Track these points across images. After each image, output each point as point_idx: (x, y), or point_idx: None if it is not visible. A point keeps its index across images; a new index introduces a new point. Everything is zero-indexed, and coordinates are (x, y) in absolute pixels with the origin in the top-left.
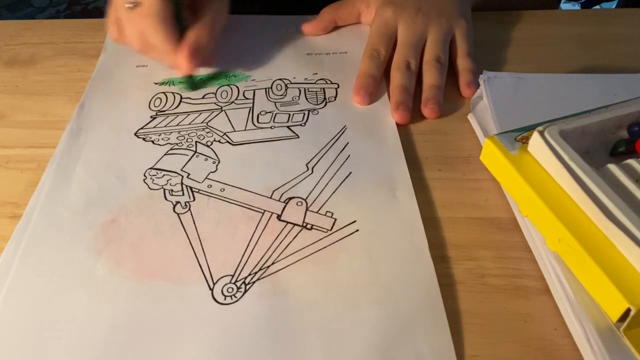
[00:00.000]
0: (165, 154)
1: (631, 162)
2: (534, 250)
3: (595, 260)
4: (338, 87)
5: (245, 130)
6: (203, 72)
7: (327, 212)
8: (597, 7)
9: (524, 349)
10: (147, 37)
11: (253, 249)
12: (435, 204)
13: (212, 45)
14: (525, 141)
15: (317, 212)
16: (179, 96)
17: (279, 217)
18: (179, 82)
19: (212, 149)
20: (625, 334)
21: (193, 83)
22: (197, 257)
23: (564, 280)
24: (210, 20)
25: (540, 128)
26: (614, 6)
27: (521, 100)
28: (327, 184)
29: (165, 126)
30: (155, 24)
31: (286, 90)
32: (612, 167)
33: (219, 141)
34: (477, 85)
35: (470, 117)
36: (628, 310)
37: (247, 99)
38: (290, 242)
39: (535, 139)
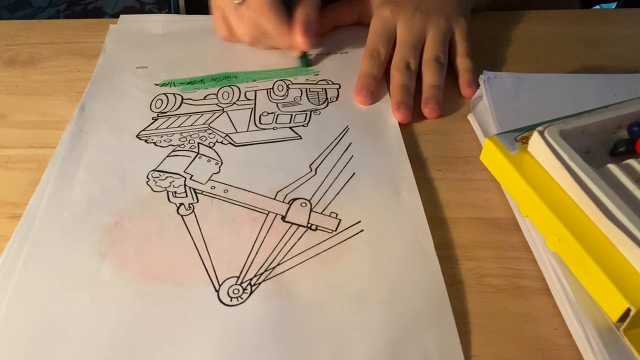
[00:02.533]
0: (167, 156)
1: (631, 162)
2: (534, 250)
3: (595, 260)
4: (339, 87)
5: (247, 131)
6: (205, 74)
7: (331, 212)
8: (597, 7)
9: (524, 349)
10: (260, 25)
11: (258, 250)
12: (436, 204)
13: (318, 21)
14: (525, 141)
15: (321, 213)
16: (180, 97)
17: (283, 218)
18: (302, 62)
19: (214, 150)
20: (625, 334)
21: (308, 61)
22: (202, 259)
23: (564, 280)
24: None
25: (540, 128)
26: (614, 6)
27: (521, 100)
28: (331, 185)
29: (167, 128)
30: (266, 10)
31: (288, 90)
32: (612, 167)
33: (222, 142)
34: (477, 85)
35: (470, 117)
36: (628, 310)
37: (248, 99)
38: (295, 243)
39: (535, 139)
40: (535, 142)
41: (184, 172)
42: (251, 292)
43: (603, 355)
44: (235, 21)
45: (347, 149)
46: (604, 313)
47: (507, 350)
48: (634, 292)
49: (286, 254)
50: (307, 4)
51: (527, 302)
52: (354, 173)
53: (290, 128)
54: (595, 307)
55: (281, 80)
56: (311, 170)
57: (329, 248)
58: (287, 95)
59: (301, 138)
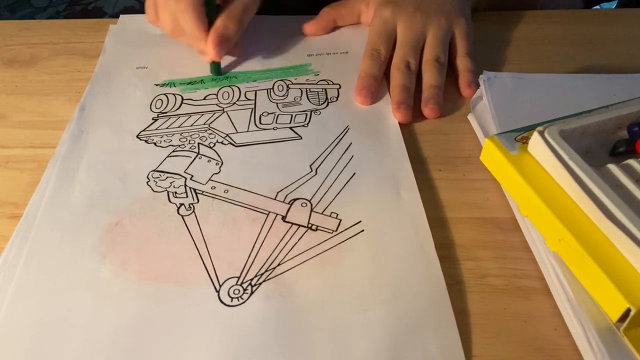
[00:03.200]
0: (168, 156)
1: (631, 162)
2: (534, 250)
3: (595, 260)
4: (340, 87)
5: (247, 131)
6: (205, 74)
7: (332, 212)
8: (597, 7)
9: (524, 349)
10: (178, 22)
11: (259, 251)
12: (436, 204)
13: (239, 34)
14: (525, 141)
15: (322, 213)
16: (180, 98)
17: (283, 218)
18: (212, 69)
19: (215, 151)
20: (625, 334)
21: (218, 69)
22: (202, 259)
23: (564, 280)
24: (240, 9)
25: (540, 128)
26: (614, 6)
27: (521, 100)
28: (331, 185)
29: (167, 128)
30: (187, 10)
31: (288, 90)
32: (612, 167)
33: (222, 142)
34: (477, 85)
35: (470, 117)
36: (628, 310)
37: (248, 99)
38: (296, 243)
39: (535, 139)
40: (535, 142)
41: (185, 172)
42: (252, 293)
43: (603, 355)
44: (161, 8)
45: (347, 149)
46: (604, 313)
47: (507, 350)
48: (634, 292)
49: (287, 254)
50: (229, 15)
51: (527, 302)
52: (355, 173)
53: (291, 128)
54: (595, 307)
55: (281, 80)
56: (311, 171)
57: (330, 248)
58: (287, 96)
59: (301, 138)
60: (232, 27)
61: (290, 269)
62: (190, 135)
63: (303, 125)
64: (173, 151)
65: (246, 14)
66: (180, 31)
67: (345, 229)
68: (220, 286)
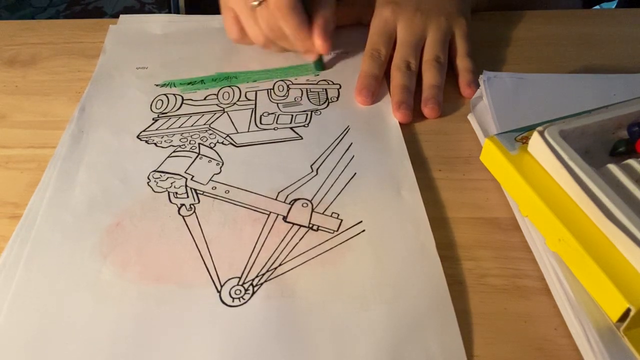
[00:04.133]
0: (168, 157)
1: (631, 162)
2: (534, 250)
3: (595, 260)
4: (340, 87)
5: (248, 131)
6: (205, 74)
7: (333, 213)
8: (597, 7)
9: (524, 349)
10: (277, 27)
11: (260, 251)
12: (436, 204)
13: (335, 26)
14: (525, 141)
15: (322, 213)
16: (180, 98)
17: (284, 218)
18: (317, 65)
19: (215, 151)
20: (625, 334)
21: (323, 63)
22: (203, 260)
23: (564, 280)
24: (331, 1)
25: (540, 128)
26: (614, 6)
27: (521, 100)
28: (332, 185)
29: (167, 128)
30: (287, 13)
31: (288, 91)
32: (612, 167)
33: (222, 143)
34: (477, 85)
35: (470, 117)
36: (628, 310)
37: (249, 100)
38: (297, 243)
39: (535, 139)
40: (535, 142)
41: (185, 172)
42: (253, 293)
43: (603, 355)
44: (249, 22)
45: (348, 149)
46: (604, 313)
47: (507, 350)
48: (634, 292)
49: (288, 255)
50: (324, 6)
51: (527, 302)
52: (355, 173)
53: (291, 128)
54: (595, 307)
55: (281, 80)
56: (312, 171)
57: (331, 248)
58: (287, 96)
59: (302, 138)
60: (332, 18)
61: (292, 269)
62: (191, 136)
63: (303, 126)
64: (174, 151)
65: (335, 3)
66: (278, 39)
67: (346, 229)
68: (221, 287)
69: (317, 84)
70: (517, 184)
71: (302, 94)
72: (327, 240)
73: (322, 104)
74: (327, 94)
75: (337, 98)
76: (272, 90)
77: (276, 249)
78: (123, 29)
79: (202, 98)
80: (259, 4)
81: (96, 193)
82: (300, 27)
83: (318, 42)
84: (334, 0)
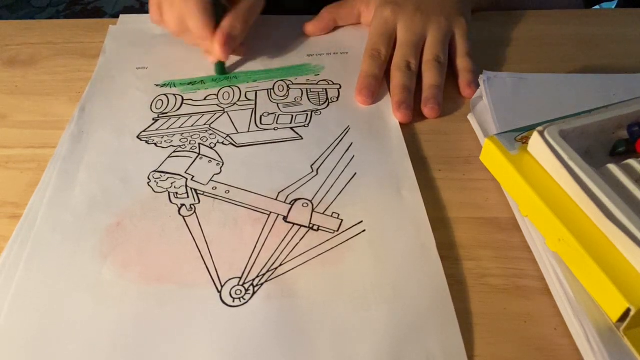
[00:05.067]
0: (168, 157)
1: (631, 162)
2: (534, 250)
3: (595, 260)
4: (340, 87)
5: (248, 132)
6: (205, 74)
7: (333, 213)
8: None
9: (524, 349)
10: (185, 21)
11: (260, 251)
12: (436, 204)
13: (245, 34)
14: (525, 141)
15: (323, 214)
16: (180, 98)
17: (285, 218)
18: (217, 69)
19: (215, 151)
20: (625, 334)
21: (223, 69)
22: (204, 260)
23: (564, 280)
24: (246, 9)
25: (540, 128)
26: (614, 6)
27: (521, 100)
28: (332, 185)
29: (167, 128)
30: (194, 9)
31: (288, 91)
32: (612, 167)
33: (223, 143)
34: (477, 85)
35: (470, 117)
36: (628, 310)
37: (249, 100)
38: (297, 243)
39: (535, 139)
40: (535, 142)
41: (185, 173)
42: (254, 293)
43: (603, 355)
44: (165, 8)
45: (348, 149)
46: (604, 313)
47: (507, 350)
48: (634, 292)
49: (288, 255)
50: (236, 15)
51: (527, 302)
52: (356, 173)
53: (291, 128)
54: (595, 307)
55: (282, 80)
56: (312, 171)
57: (331, 248)
58: (287, 96)
59: (302, 138)
60: (239, 27)
61: (292, 269)
62: (191, 136)
63: (304, 126)
64: (174, 152)
65: (252, 13)
66: (186, 31)
67: (347, 229)
68: (222, 287)
69: (317, 84)
70: (517, 184)
71: (302, 94)
72: (327, 241)
73: (323, 104)
74: (327, 94)
75: (337, 98)
76: (272, 91)
77: (276, 249)
78: (123, 29)
79: (202, 98)
80: None
81: (96, 193)
82: (203, 27)
83: (216, 47)
84: (249, 11)
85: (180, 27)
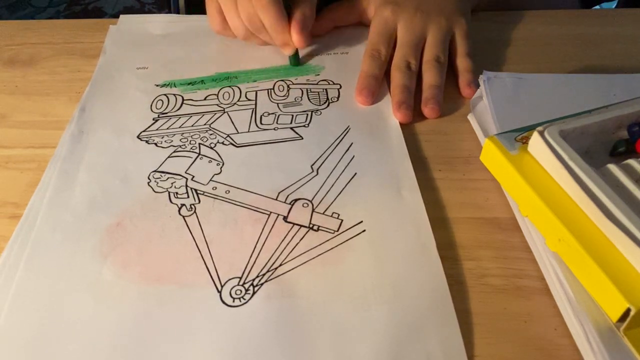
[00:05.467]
0: (168, 157)
1: (631, 162)
2: (534, 250)
3: (595, 260)
4: (340, 87)
5: (248, 132)
6: (205, 74)
7: (333, 213)
8: (597, 7)
9: (524, 349)
10: (256, 19)
11: (260, 251)
12: (436, 204)
13: (313, 20)
14: (525, 141)
15: (323, 214)
16: (180, 98)
17: (285, 218)
18: (292, 60)
19: (215, 151)
20: (625, 334)
21: (298, 59)
22: (204, 260)
23: (564, 280)
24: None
25: (540, 128)
26: (614, 6)
27: (521, 100)
28: (332, 185)
29: (167, 128)
30: (266, 5)
31: (288, 91)
32: (612, 167)
33: (223, 143)
34: (477, 85)
35: (470, 117)
36: (628, 310)
37: (249, 100)
38: (297, 243)
39: (535, 139)
40: (535, 142)
41: (185, 172)
42: (254, 293)
43: (603, 355)
44: (230, 14)
45: (348, 149)
46: (604, 313)
47: (507, 350)
48: (634, 292)
49: (288, 255)
50: (304, 3)
51: (527, 302)
52: (356, 173)
53: (292, 128)
54: (595, 307)
55: (282, 80)
56: (313, 171)
57: (331, 248)
58: (287, 96)
59: (302, 138)
60: (310, 14)
61: (292, 269)
62: (191, 136)
63: (304, 126)
64: (174, 152)
65: (315, 2)
66: (257, 30)
67: (347, 229)
68: (222, 287)
69: (317, 84)
70: (517, 184)
71: (302, 94)
72: (327, 241)
73: (323, 104)
74: (327, 94)
75: (338, 98)
76: (272, 90)
77: (276, 249)
78: (123, 29)
79: (203, 98)
80: None
81: (96, 193)
82: (279, 19)
83: (295, 36)
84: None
85: (253, 27)
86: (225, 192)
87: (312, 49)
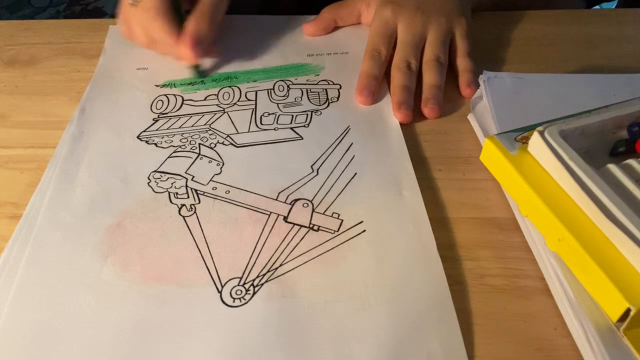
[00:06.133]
0: (168, 157)
1: (631, 162)
2: (534, 250)
3: (595, 260)
4: (340, 87)
5: (248, 132)
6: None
7: (333, 213)
8: (597, 7)
9: (524, 349)
10: (149, 30)
11: (260, 251)
12: (436, 204)
13: (213, 34)
14: (525, 141)
15: (323, 214)
16: (180, 98)
17: (285, 219)
18: (194, 73)
19: (216, 151)
20: (625, 334)
21: (200, 72)
22: (204, 260)
23: (564, 280)
24: (209, 7)
25: (540, 128)
26: (614, 6)
27: (521, 100)
28: (332, 185)
29: (167, 129)
30: (155, 16)
31: (288, 91)
32: (612, 167)
33: (223, 143)
34: (477, 85)
35: (470, 117)
36: (628, 310)
37: (249, 100)
38: (298, 243)
39: (535, 139)
40: (535, 142)
41: (186, 173)
42: (254, 293)
43: (603, 355)
44: (133, 22)
45: (348, 149)
46: (604, 313)
47: (507, 350)
48: (634, 292)
49: (288, 255)
50: (199, 15)
51: (527, 302)
52: (356, 173)
53: (292, 129)
54: (595, 307)
55: (282, 80)
56: (313, 171)
57: (332, 248)
58: (287, 96)
59: (302, 139)
60: (204, 27)
61: (292, 269)
62: (191, 136)
63: (304, 126)
64: (174, 152)
65: (217, 11)
66: (154, 41)
67: (347, 229)
68: (222, 287)
69: (317, 84)
70: (517, 184)
71: (302, 94)
72: (327, 241)
73: (323, 104)
74: (327, 94)
75: (338, 98)
76: (272, 91)
77: (277, 249)
78: None
79: (203, 98)
80: (135, 3)
81: (97, 193)
82: (167, 33)
83: (185, 51)
84: (212, 10)
85: (148, 39)
86: (226, 192)
87: (312, 49)
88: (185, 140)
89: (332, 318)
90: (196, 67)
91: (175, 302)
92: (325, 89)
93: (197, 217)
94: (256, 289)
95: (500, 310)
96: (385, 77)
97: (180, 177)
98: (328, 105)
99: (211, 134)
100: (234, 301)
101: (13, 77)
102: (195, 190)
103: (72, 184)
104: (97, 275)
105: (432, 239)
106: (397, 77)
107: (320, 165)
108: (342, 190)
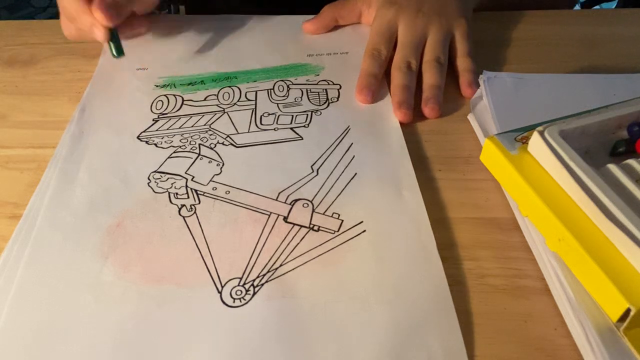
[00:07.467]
0: (168, 157)
1: (631, 162)
2: (534, 250)
3: (595, 260)
4: (340, 87)
5: (248, 132)
6: (204, 71)
7: (333, 213)
8: (597, 7)
9: (524, 349)
10: (65, 8)
11: (260, 251)
12: (436, 204)
13: (132, 3)
14: (525, 141)
15: (323, 214)
16: (180, 98)
17: (285, 219)
18: (112, 46)
19: (216, 152)
20: (625, 334)
21: (118, 45)
22: (204, 260)
23: (564, 280)
24: None
25: (540, 128)
26: (614, 6)
27: (521, 100)
28: (332, 185)
29: (167, 129)
30: None
31: (288, 91)
32: (612, 167)
33: (223, 143)
34: (477, 85)
35: (470, 117)
36: (628, 310)
37: (249, 100)
38: (298, 244)
39: (535, 139)
40: (535, 142)
41: (185, 173)
42: (254, 293)
43: (603, 355)
44: (62, 16)
45: (348, 149)
46: (604, 313)
47: (507, 350)
48: (634, 292)
49: (289, 255)
50: None
51: (527, 302)
52: (356, 173)
53: (292, 129)
54: (595, 307)
55: (282, 80)
56: (313, 171)
57: (332, 249)
58: (287, 96)
59: (302, 139)
60: None
61: (292, 269)
62: (191, 136)
63: (304, 126)
64: (174, 152)
65: None
66: (72, 18)
67: (347, 230)
68: (222, 287)
69: (317, 84)
70: (517, 184)
71: (302, 94)
72: (327, 241)
73: (323, 104)
74: (327, 94)
75: (338, 98)
76: (272, 91)
77: (277, 249)
78: None
79: (202, 99)
80: None
81: (96, 194)
82: (79, 1)
83: (96, 14)
84: None
85: (67, 16)
86: (226, 192)
87: (312, 49)
88: (185, 140)
89: (332, 318)
90: (114, 40)
91: (175, 302)
92: (325, 89)
93: (197, 217)
94: (256, 289)
95: (500, 310)
96: (385, 77)
97: (180, 178)
98: (328, 105)
99: (211, 134)
100: (234, 301)
101: (13, 77)
102: (195, 191)
103: (72, 184)
104: (97, 276)
105: (432, 239)
106: (398, 77)
107: (320, 166)
108: (342, 191)
